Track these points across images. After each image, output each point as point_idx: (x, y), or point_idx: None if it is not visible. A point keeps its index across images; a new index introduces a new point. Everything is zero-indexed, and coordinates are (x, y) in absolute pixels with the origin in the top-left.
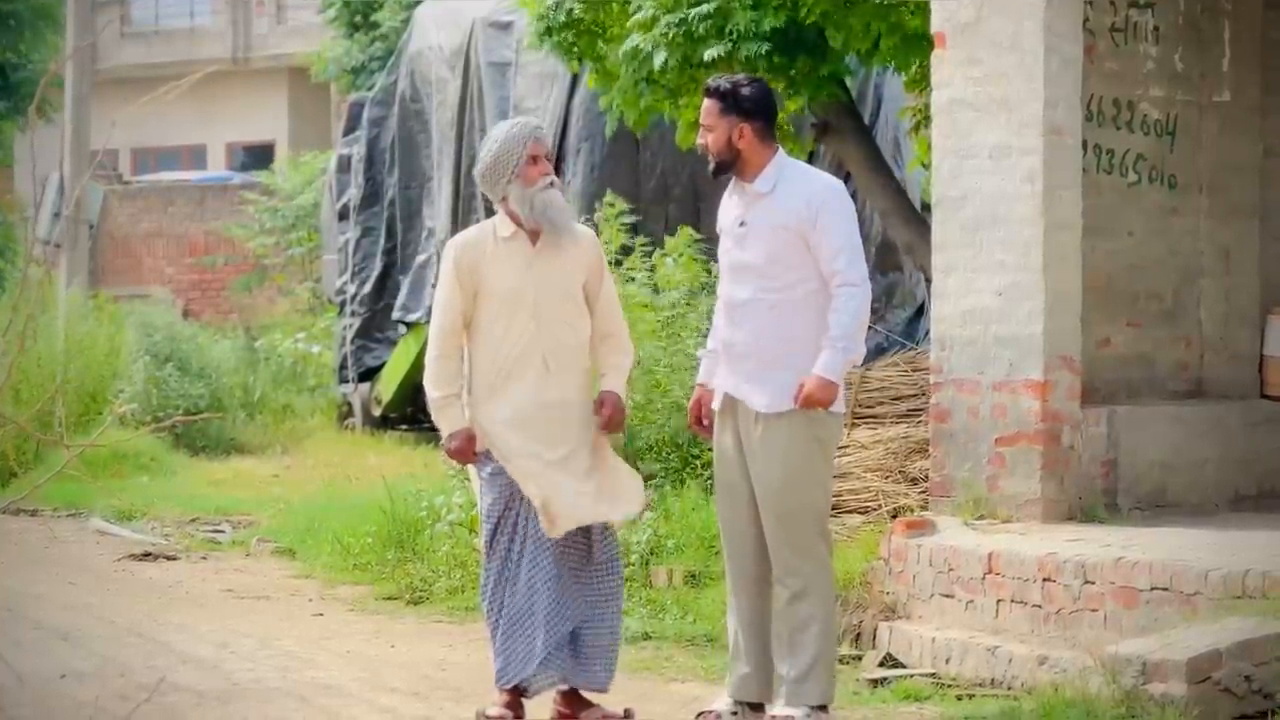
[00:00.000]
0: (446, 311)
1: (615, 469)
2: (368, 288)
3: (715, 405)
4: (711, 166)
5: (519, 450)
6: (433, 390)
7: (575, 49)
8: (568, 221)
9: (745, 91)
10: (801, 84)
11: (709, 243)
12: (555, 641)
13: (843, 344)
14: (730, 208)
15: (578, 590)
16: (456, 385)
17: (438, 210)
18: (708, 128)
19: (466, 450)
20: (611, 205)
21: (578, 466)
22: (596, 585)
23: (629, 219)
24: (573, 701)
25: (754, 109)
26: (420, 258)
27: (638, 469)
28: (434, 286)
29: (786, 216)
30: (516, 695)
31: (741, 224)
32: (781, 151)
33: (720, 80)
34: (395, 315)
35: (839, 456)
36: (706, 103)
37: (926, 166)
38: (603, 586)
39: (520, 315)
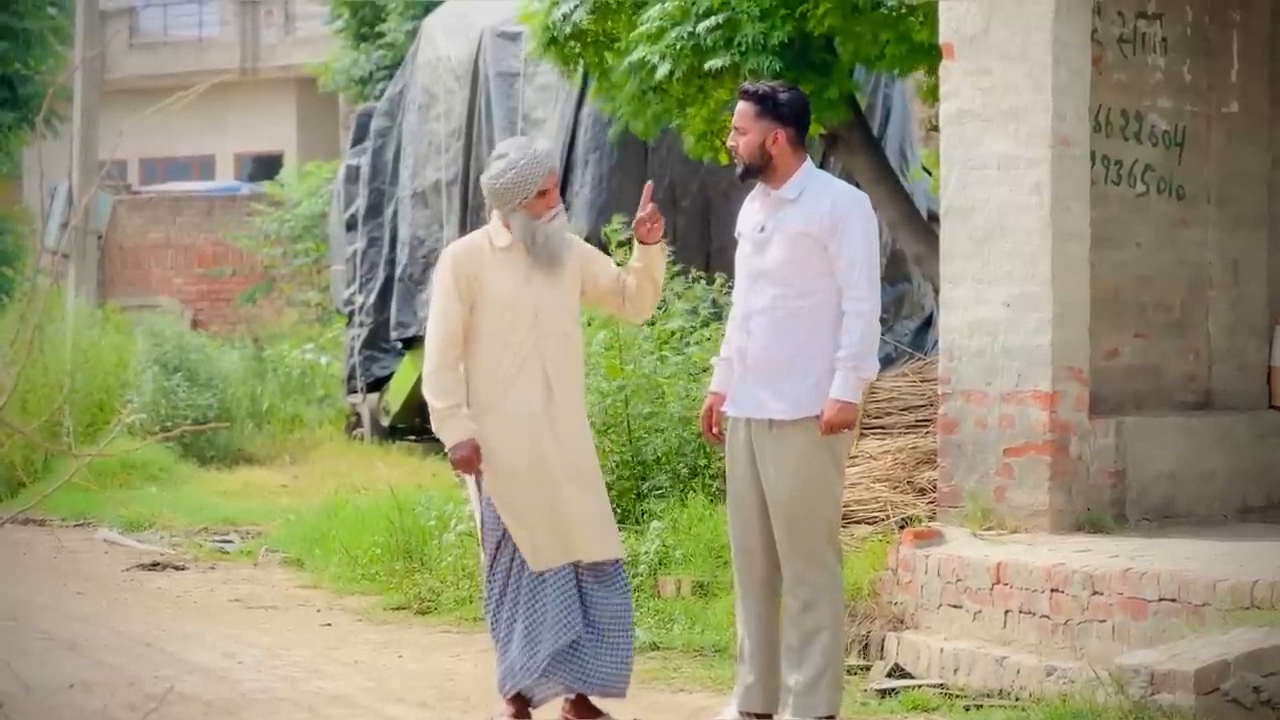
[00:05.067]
0: (445, 322)
1: (600, 508)
2: (373, 298)
3: (727, 410)
4: (740, 170)
5: (508, 484)
6: (435, 401)
7: (580, 59)
8: (566, 250)
9: (782, 97)
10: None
11: (722, 251)
12: (558, 652)
13: (853, 363)
14: (751, 213)
15: (586, 599)
16: (459, 395)
17: (446, 222)
18: (741, 130)
19: (473, 460)
20: (615, 229)
21: (566, 502)
22: (607, 593)
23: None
24: (581, 709)
25: (790, 115)
26: None
27: (643, 480)
28: None
29: (809, 224)
30: (524, 705)
31: (762, 229)
32: (810, 161)
33: (758, 85)
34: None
35: (847, 467)
36: (742, 105)
37: (929, 173)
38: (612, 594)
39: (520, 326)
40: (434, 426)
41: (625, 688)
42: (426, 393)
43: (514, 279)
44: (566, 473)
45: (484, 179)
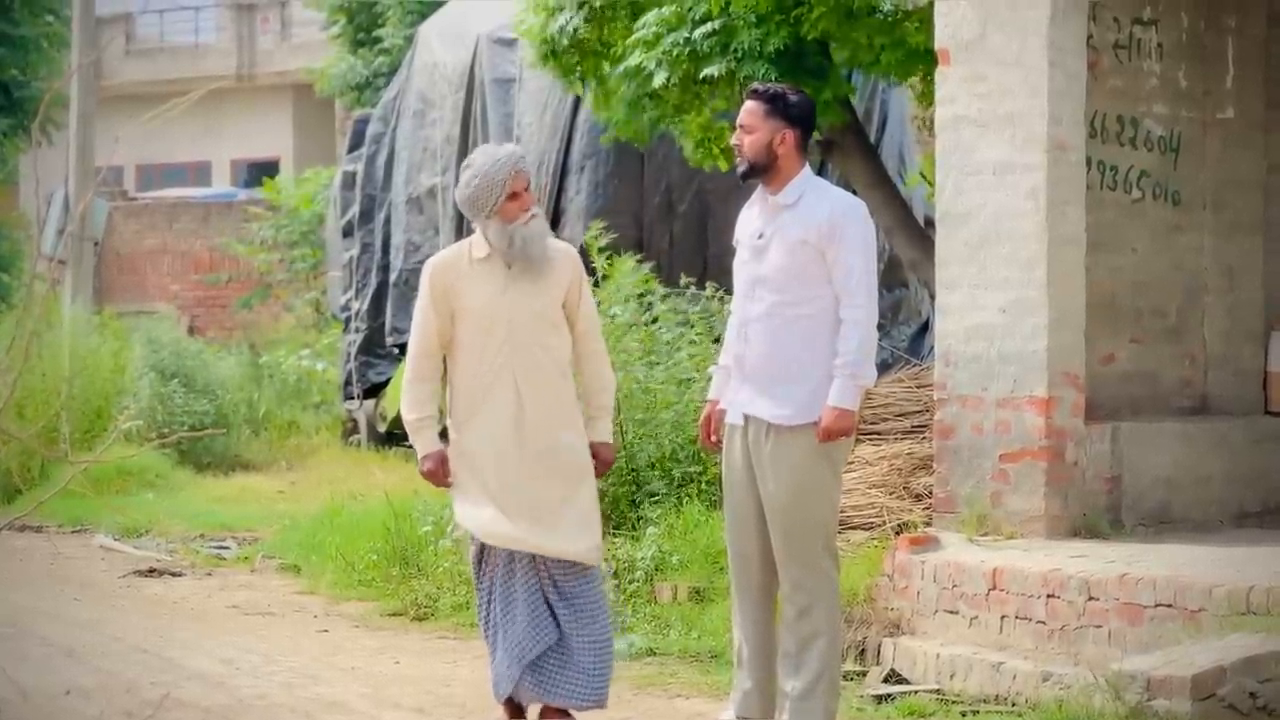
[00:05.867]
0: (422, 333)
1: (571, 517)
2: (367, 304)
3: (727, 419)
4: (743, 169)
5: (477, 509)
6: (407, 412)
7: (579, 69)
8: (544, 253)
9: (792, 99)
10: None
11: (719, 257)
12: (535, 658)
13: (850, 371)
14: (749, 220)
15: (562, 607)
16: (431, 407)
17: (440, 228)
18: (748, 129)
19: (439, 473)
20: (595, 237)
21: (530, 525)
22: (572, 612)
23: (634, 244)
24: (551, 711)
25: (798, 118)
26: None
27: (637, 486)
28: None
29: (807, 231)
30: (518, 709)
31: (760, 236)
32: (809, 168)
33: (768, 85)
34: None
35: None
36: (750, 104)
37: (927, 180)
38: (579, 613)
39: (495, 337)
40: (409, 436)
41: (594, 703)
42: (401, 404)
43: (490, 290)
44: (535, 483)
45: (455, 192)
